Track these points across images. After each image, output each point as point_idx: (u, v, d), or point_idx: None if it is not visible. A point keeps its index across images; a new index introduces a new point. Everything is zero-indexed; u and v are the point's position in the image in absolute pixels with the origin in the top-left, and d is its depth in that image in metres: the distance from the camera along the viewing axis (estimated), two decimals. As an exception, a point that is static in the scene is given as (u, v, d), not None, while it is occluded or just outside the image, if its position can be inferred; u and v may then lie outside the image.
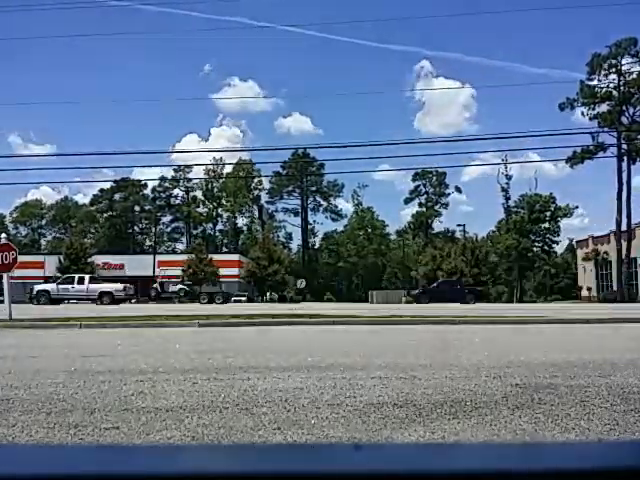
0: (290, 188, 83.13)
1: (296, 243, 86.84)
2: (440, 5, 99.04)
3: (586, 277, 62.08)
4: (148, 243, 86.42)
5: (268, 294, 56.79)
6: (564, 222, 75.04)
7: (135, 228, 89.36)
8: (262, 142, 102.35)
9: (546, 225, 73.24)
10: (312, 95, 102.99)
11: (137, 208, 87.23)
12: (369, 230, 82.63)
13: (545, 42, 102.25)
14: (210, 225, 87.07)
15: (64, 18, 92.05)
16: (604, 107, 54.18)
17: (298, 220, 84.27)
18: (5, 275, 14.66)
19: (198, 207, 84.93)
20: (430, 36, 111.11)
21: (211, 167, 78.86)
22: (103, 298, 32.57)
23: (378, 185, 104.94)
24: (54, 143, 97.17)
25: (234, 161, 79.19)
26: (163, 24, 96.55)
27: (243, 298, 54.65)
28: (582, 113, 54.18)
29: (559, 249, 78.59)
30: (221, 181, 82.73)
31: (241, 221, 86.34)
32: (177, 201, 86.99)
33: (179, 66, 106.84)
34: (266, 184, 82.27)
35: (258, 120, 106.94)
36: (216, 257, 59.43)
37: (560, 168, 78.25)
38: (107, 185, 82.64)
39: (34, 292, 35.00)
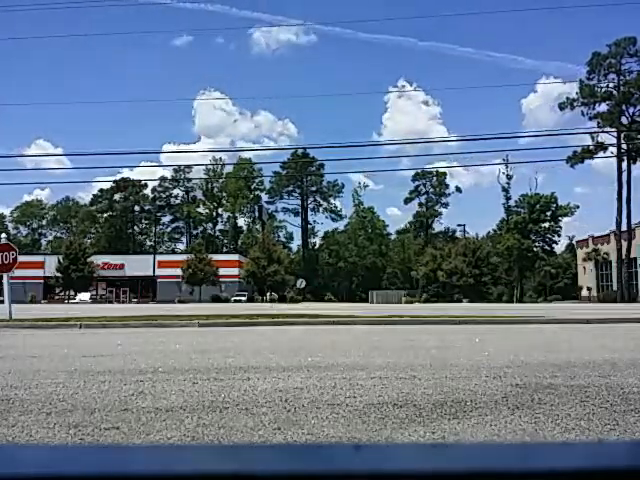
0: (290, 188, 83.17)
1: (296, 243, 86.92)
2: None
3: (586, 277, 62.10)
4: (148, 243, 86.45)
5: (268, 294, 56.81)
6: (564, 221, 75.06)
7: (135, 228, 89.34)
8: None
9: (547, 225, 73.15)
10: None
11: (137, 208, 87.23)
12: (369, 230, 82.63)
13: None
14: (210, 225, 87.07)
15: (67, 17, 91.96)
16: (604, 107, 54.21)
17: (298, 220, 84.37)
18: (5, 275, 14.67)
19: (198, 207, 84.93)
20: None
21: (211, 167, 78.94)
22: None
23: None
24: (51, 144, 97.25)
25: (229, 162, 79.38)
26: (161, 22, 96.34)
27: (243, 298, 54.67)
28: (582, 113, 54.18)
29: (559, 249, 78.62)
30: (221, 181, 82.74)
31: (241, 221, 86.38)
32: (177, 201, 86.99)
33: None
34: (266, 184, 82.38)
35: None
36: (216, 257, 59.53)
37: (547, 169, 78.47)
38: (107, 185, 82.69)
39: None
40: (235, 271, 59.30)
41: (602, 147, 53.63)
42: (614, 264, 54.47)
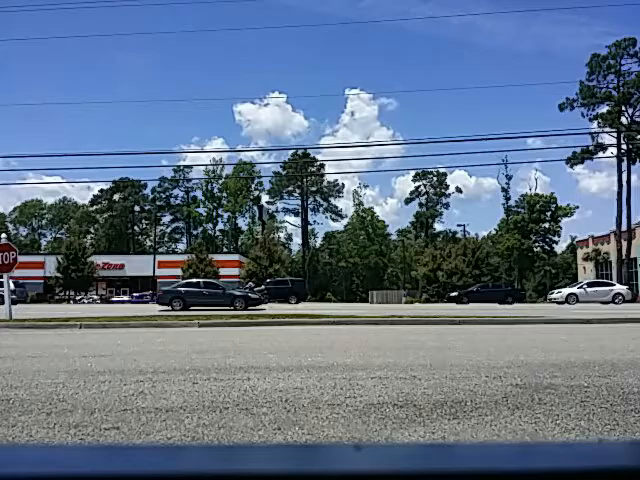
0: (290, 188, 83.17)
1: (296, 243, 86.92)
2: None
3: (586, 277, 62.07)
4: (148, 243, 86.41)
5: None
6: (565, 221, 75.11)
7: (135, 228, 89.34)
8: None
9: (547, 225, 73.24)
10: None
11: (137, 208, 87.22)
12: (370, 230, 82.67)
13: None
14: (210, 225, 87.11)
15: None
16: (603, 107, 54.26)
17: (298, 220, 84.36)
18: (5, 275, 14.68)
19: (198, 207, 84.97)
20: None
21: (211, 168, 79.02)
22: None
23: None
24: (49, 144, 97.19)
25: (230, 162, 79.54)
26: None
27: (243, 298, 54.66)
28: (582, 114, 54.21)
29: (559, 249, 78.65)
30: (221, 181, 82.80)
31: (241, 221, 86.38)
32: (177, 201, 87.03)
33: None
34: (266, 184, 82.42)
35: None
36: (216, 257, 59.50)
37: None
38: (107, 185, 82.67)
39: None
40: (235, 271, 59.27)
41: (602, 147, 53.69)
42: (614, 264, 54.47)
